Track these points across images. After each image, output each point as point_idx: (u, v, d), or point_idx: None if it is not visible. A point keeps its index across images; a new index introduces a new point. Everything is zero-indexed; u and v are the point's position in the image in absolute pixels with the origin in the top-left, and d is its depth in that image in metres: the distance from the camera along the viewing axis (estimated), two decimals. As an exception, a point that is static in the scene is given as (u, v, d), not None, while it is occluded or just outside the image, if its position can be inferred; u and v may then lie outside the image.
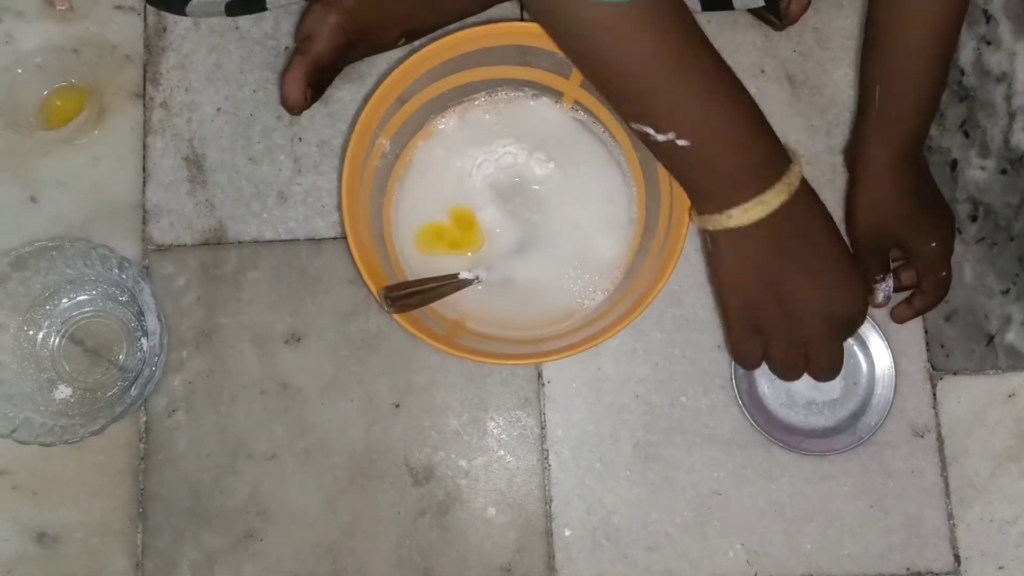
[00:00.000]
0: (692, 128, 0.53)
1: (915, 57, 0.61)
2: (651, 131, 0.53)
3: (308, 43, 0.63)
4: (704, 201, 0.55)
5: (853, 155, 0.66)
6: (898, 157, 0.63)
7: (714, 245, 0.56)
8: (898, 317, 0.68)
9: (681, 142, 0.53)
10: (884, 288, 0.66)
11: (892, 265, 0.67)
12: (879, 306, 0.67)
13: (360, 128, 0.59)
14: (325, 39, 0.63)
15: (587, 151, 0.67)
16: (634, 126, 0.54)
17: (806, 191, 0.55)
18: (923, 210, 0.65)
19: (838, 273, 0.56)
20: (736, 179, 0.53)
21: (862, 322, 0.58)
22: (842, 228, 0.64)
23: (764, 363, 0.60)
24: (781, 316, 0.56)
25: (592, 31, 0.51)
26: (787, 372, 0.59)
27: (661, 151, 0.55)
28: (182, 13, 0.69)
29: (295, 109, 0.65)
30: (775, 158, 0.54)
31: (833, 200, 0.69)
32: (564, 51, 0.55)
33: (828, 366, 0.59)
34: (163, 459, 0.67)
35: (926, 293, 0.67)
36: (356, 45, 0.65)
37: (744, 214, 0.53)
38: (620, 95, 0.55)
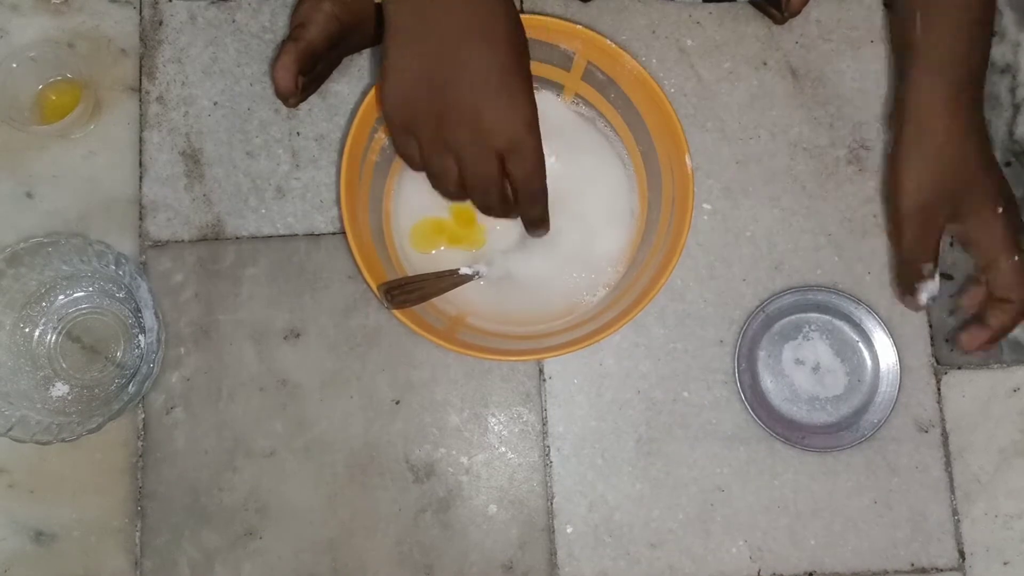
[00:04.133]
0: None
1: None
2: None
3: (301, 30, 0.62)
4: None
5: (897, 108, 0.58)
6: (952, 94, 0.54)
7: (390, 16, 0.50)
8: (967, 343, 0.57)
9: None
10: (930, 287, 0.56)
11: (941, 272, 0.57)
12: (920, 308, 0.57)
13: (359, 122, 0.59)
14: (318, 26, 0.63)
15: (588, 144, 0.66)
16: None
17: None
18: (986, 165, 0.55)
19: (507, 85, 0.50)
20: None
21: (530, 154, 0.51)
22: (869, 206, 0.56)
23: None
24: (432, 113, 0.50)
25: None
26: (435, 181, 0.53)
27: None
28: None
29: (287, 98, 0.64)
30: None
31: (836, 192, 0.69)
32: None
33: (475, 183, 0.51)
34: (161, 457, 0.66)
35: (1003, 300, 0.54)
36: (351, 35, 0.65)
37: None
38: None
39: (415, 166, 0.53)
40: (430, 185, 0.54)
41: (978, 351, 0.56)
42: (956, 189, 0.54)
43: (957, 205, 0.55)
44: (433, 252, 0.65)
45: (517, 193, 0.53)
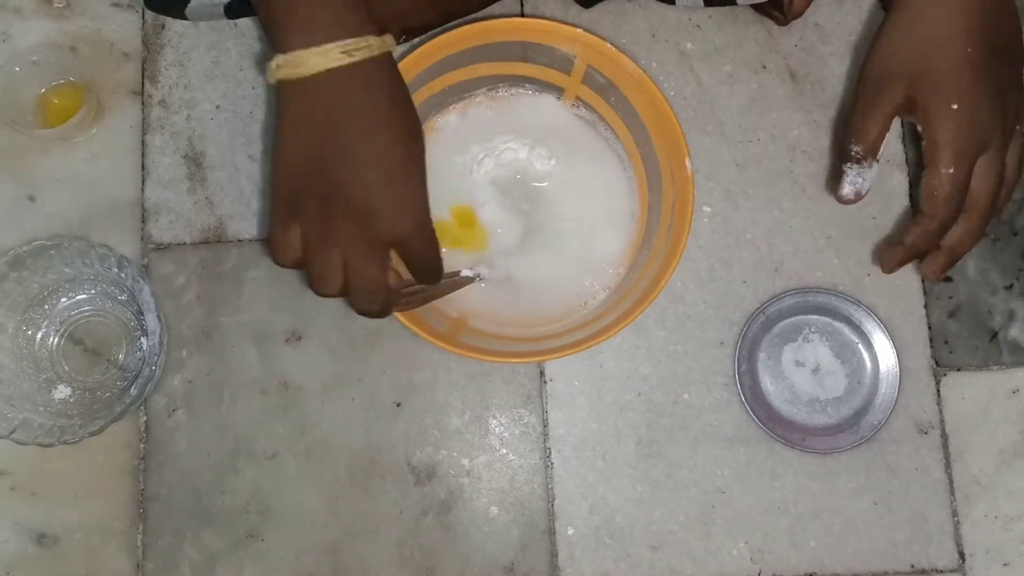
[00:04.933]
0: None
1: None
2: None
3: None
4: (280, 33, 0.47)
5: None
6: None
7: (282, 102, 0.48)
8: (882, 264, 0.53)
9: None
10: (855, 175, 0.49)
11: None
12: (845, 201, 0.51)
13: (360, 125, 0.59)
14: None
15: (589, 147, 0.67)
16: None
17: (393, 66, 0.49)
18: (977, 59, 0.46)
19: (398, 174, 0.48)
20: (315, 14, 0.46)
21: (417, 247, 0.50)
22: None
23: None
24: (318, 201, 0.47)
25: None
26: (317, 279, 0.49)
27: None
28: (182, 17, 0.69)
29: None
30: (361, 12, 0.47)
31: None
32: None
33: (360, 283, 0.48)
34: (163, 459, 0.66)
35: (923, 213, 0.49)
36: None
37: (318, 58, 0.45)
38: None
39: (290, 260, 0.49)
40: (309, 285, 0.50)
41: (897, 269, 0.51)
42: (919, 68, 0.47)
43: (913, 86, 0.47)
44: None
45: (413, 269, 0.51)
